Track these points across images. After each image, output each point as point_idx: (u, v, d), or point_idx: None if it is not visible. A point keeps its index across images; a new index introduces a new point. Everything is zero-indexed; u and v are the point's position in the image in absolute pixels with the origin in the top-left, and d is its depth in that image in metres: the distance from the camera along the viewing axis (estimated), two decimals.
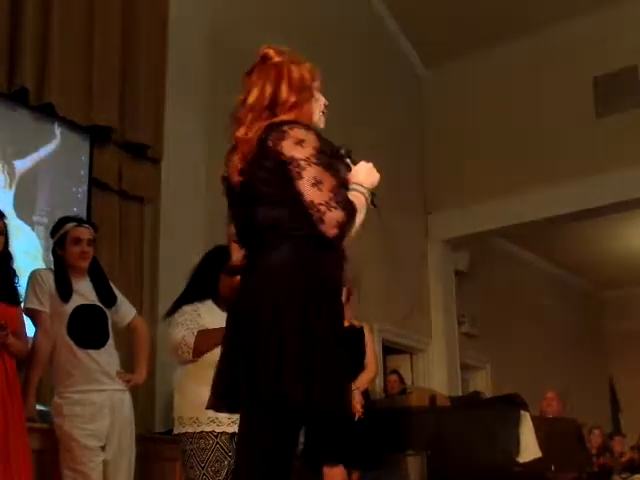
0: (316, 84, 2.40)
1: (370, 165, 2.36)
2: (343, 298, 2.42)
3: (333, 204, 2.15)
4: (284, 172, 2.19)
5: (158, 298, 5.35)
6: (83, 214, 4.85)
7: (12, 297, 3.63)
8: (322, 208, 2.15)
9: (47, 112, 4.96)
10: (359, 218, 2.23)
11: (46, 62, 4.91)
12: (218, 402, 2.23)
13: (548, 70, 8.37)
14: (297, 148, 2.18)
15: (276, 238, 2.20)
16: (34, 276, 3.85)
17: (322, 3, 7.72)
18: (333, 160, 2.28)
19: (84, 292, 3.87)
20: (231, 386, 2.15)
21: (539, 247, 11.02)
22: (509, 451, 5.79)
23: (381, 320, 7.85)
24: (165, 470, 4.61)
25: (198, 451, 3.52)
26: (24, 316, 3.75)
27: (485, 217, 8.60)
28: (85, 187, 5.15)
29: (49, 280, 3.82)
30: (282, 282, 2.15)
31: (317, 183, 2.15)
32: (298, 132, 2.20)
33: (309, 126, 2.26)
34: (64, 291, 3.80)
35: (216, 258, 3.77)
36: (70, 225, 3.92)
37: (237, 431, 2.27)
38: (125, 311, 4.11)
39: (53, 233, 3.98)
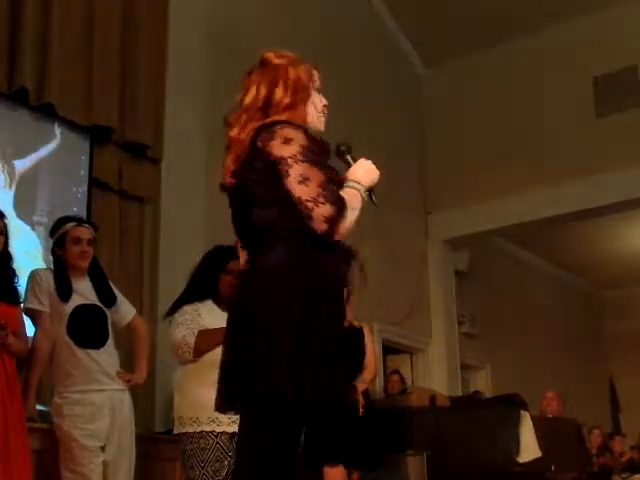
0: (316, 85, 2.39)
1: (369, 162, 2.34)
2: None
3: (321, 200, 2.13)
4: (274, 172, 2.18)
5: (158, 298, 5.35)
6: (83, 214, 4.84)
7: (12, 297, 3.63)
8: (309, 204, 2.13)
9: (47, 112, 4.96)
10: (353, 215, 2.20)
11: (46, 62, 4.91)
12: (224, 403, 2.23)
13: (548, 70, 8.36)
14: (284, 147, 2.17)
15: (271, 239, 2.19)
16: (34, 276, 3.85)
17: (322, 3, 7.72)
18: (322, 158, 2.27)
19: (84, 292, 3.87)
20: (231, 386, 2.15)
21: (539, 247, 11.01)
22: (509, 451, 5.78)
23: (381, 320, 7.85)
24: (165, 470, 4.61)
25: (198, 451, 3.52)
26: (24, 316, 3.74)
27: (485, 217, 8.58)
28: (85, 187, 5.15)
29: (49, 280, 3.81)
30: (279, 283, 2.14)
31: (304, 180, 2.14)
32: (287, 131, 2.19)
33: (300, 126, 2.25)
34: (64, 291, 3.79)
35: (216, 258, 3.78)
36: (70, 225, 3.91)
37: (237, 431, 2.27)
38: (125, 311, 4.10)
39: (53, 233, 3.97)
